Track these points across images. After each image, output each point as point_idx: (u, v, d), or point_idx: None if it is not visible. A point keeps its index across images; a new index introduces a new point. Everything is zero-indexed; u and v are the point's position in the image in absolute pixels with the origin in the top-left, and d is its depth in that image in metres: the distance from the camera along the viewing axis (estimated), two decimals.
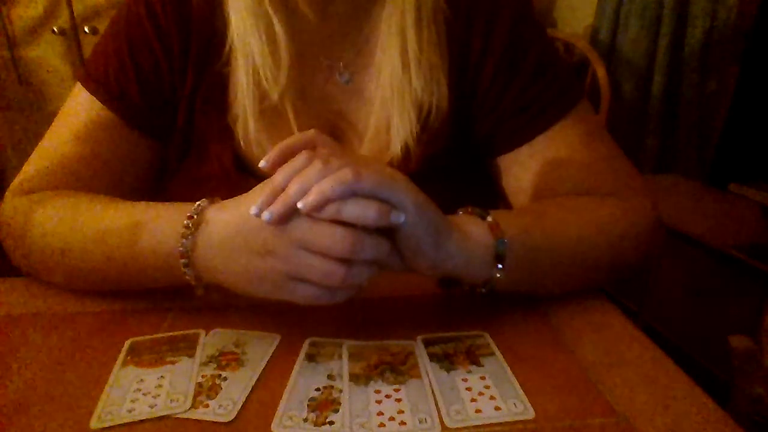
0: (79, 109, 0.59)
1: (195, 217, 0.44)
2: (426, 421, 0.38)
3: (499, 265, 0.46)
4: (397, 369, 0.43)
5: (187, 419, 0.38)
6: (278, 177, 0.41)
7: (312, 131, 0.44)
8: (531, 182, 0.59)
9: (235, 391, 0.41)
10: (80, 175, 0.57)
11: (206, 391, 0.41)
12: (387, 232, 0.41)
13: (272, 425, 0.37)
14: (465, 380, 0.42)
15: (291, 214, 0.40)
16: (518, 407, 0.39)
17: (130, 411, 0.39)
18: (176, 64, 0.59)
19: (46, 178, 0.57)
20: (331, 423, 0.38)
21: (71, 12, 1.84)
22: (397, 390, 0.41)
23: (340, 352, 0.45)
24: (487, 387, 0.41)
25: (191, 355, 0.45)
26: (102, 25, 1.87)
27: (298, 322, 0.48)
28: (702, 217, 1.55)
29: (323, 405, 0.39)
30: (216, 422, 0.38)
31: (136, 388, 0.41)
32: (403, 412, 0.39)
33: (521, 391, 0.41)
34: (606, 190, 0.57)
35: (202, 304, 0.51)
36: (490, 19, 0.58)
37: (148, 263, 0.47)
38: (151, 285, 0.50)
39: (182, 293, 0.50)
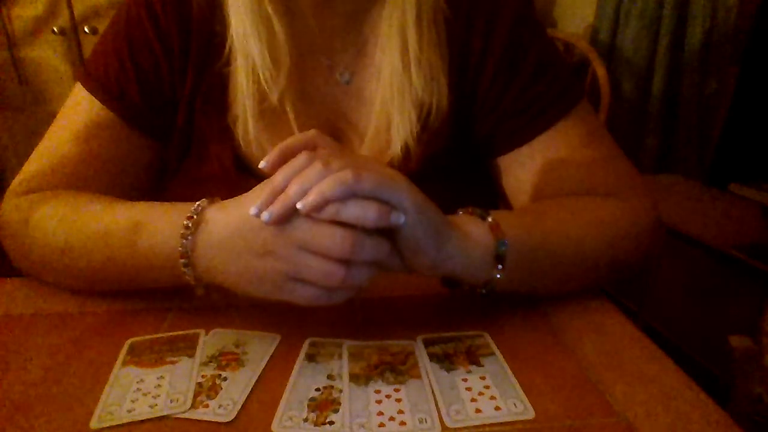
0: (78, 109, 0.59)
1: (195, 217, 0.44)
2: (426, 421, 0.38)
3: (500, 266, 0.46)
4: (397, 369, 0.43)
5: (187, 419, 0.38)
6: (278, 177, 0.41)
7: (312, 131, 0.44)
8: (531, 182, 0.59)
9: (235, 391, 0.41)
10: (80, 175, 0.57)
11: (206, 391, 0.41)
12: (387, 233, 0.41)
13: (272, 425, 0.37)
14: (465, 380, 0.42)
15: (290, 214, 0.40)
16: (518, 407, 0.39)
17: (130, 411, 0.39)
18: (176, 64, 0.59)
19: (46, 178, 0.57)
20: (331, 423, 0.38)
21: (71, 12, 1.84)
22: (397, 390, 0.41)
23: (340, 352, 0.45)
24: (487, 387, 0.41)
25: (191, 355, 0.45)
26: (102, 25, 1.87)
27: (298, 322, 0.48)
28: (702, 217, 1.56)
29: (323, 405, 0.39)
30: (216, 422, 0.38)
31: (136, 388, 0.41)
32: (403, 412, 0.39)
33: (521, 391, 0.41)
34: (606, 190, 0.57)
35: (202, 304, 0.51)
36: (490, 19, 0.58)
37: (148, 263, 0.47)
38: (151, 285, 0.50)
39: (182, 293, 0.49)
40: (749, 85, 1.77)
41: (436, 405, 0.39)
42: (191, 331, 0.48)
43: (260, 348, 0.46)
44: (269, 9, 0.55)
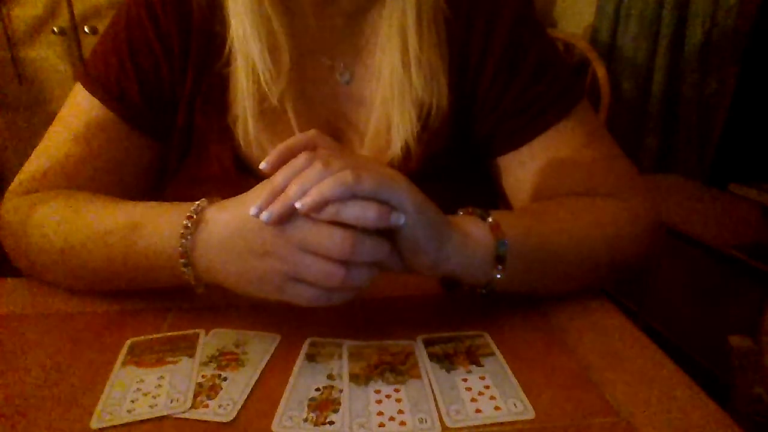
0: (78, 110, 0.59)
1: (195, 217, 0.44)
2: (426, 421, 0.38)
3: (500, 266, 0.46)
4: (397, 369, 0.43)
5: (187, 419, 0.38)
6: (278, 177, 0.41)
7: (312, 131, 0.44)
8: (531, 182, 0.59)
9: (235, 391, 0.41)
10: (80, 175, 0.57)
11: (206, 391, 0.41)
12: (387, 233, 0.41)
13: (272, 425, 0.37)
14: (465, 380, 0.42)
15: (290, 215, 0.40)
16: (518, 407, 0.39)
17: (130, 411, 0.39)
18: (176, 64, 0.59)
19: (46, 178, 0.57)
20: (331, 423, 0.38)
21: (71, 12, 1.84)
22: (397, 390, 0.41)
23: (340, 352, 0.45)
24: (487, 387, 0.41)
25: (191, 355, 0.45)
26: (102, 25, 1.87)
27: (298, 322, 0.48)
28: (702, 217, 1.56)
29: (323, 405, 0.39)
30: (216, 422, 0.38)
31: (136, 388, 0.41)
32: (403, 412, 0.39)
33: (521, 391, 0.41)
34: (606, 190, 0.57)
35: (202, 304, 0.51)
36: (490, 19, 0.58)
37: (147, 263, 0.47)
38: (151, 285, 0.50)
39: (182, 293, 0.49)
40: (749, 85, 1.78)
41: (436, 405, 0.39)
42: (191, 331, 0.48)
43: (260, 348, 0.46)
44: (269, 9, 0.55)
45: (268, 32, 0.55)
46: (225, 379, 0.42)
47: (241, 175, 0.59)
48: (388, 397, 0.40)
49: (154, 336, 0.47)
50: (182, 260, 0.44)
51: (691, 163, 1.98)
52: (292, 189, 0.39)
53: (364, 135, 0.60)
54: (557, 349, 0.46)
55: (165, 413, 0.38)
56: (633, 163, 0.61)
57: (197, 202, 0.45)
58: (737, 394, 1.02)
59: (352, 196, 0.39)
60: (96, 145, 0.58)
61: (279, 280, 0.41)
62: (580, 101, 0.59)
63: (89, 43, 1.87)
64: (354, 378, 0.42)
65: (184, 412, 0.39)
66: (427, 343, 0.46)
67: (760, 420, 0.98)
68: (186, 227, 0.44)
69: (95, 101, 0.58)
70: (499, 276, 0.46)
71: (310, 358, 0.45)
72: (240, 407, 0.39)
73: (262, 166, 0.42)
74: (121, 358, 0.44)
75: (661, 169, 2.02)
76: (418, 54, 0.56)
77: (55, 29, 1.85)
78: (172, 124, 0.61)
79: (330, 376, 0.42)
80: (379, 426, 0.37)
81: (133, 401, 0.39)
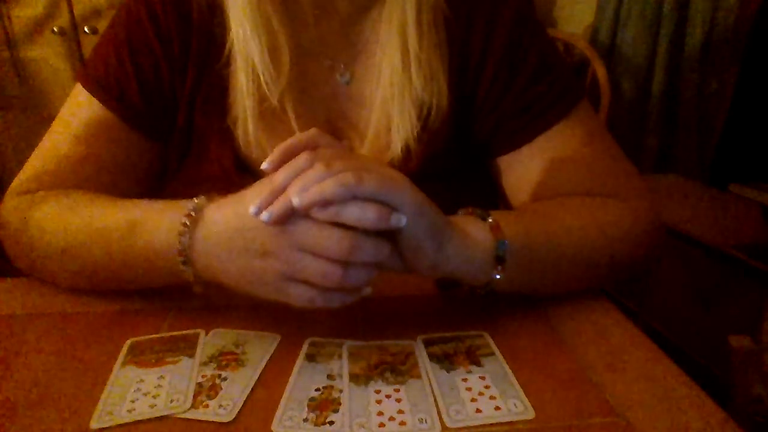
0: (78, 110, 0.59)
1: (193, 215, 0.44)
2: (426, 421, 0.38)
3: (500, 267, 0.46)
4: (397, 369, 0.43)
5: (187, 419, 0.38)
6: (279, 177, 0.41)
7: (313, 130, 0.44)
8: (531, 183, 0.59)
9: (235, 391, 0.41)
10: (80, 175, 0.57)
11: (206, 391, 0.41)
12: (387, 234, 0.41)
13: (272, 425, 0.37)
14: (465, 380, 0.42)
15: (290, 215, 0.40)
16: (518, 407, 0.39)
17: (130, 411, 0.39)
18: (176, 64, 0.59)
19: (46, 178, 0.57)
20: (331, 423, 0.38)
21: (71, 12, 1.83)
22: (397, 390, 0.41)
23: (340, 352, 0.45)
24: (487, 387, 0.41)
25: (191, 355, 0.45)
26: (102, 25, 1.87)
27: (298, 322, 0.48)
28: (702, 217, 1.55)
29: (323, 405, 0.39)
30: (216, 422, 0.38)
31: (136, 388, 0.41)
32: (403, 412, 0.39)
33: (521, 391, 0.41)
34: (606, 190, 0.57)
35: (202, 304, 0.51)
36: (490, 19, 0.58)
37: (147, 261, 0.47)
38: (150, 283, 0.50)
39: (182, 293, 0.49)
40: (749, 85, 1.78)
41: (436, 405, 0.39)
42: (191, 331, 0.48)
43: (260, 348, 0.46)
44: (269, 10, 0.55)
45: (268, 33, 0.55)
46: (225, 379, 0.42)
47: (241, 176, 0.59)
48: (388, 397, 0.40)
49: (154, 336, 0.47)
50: (181, 258, 0.44)
51: (691, 163, 1.98)
52: (293, 189, 0.39)
53: (364, 135, 0.60)
54: (557, 349, 0.46)
55: (165, 413, 0.38)
56: (633, 163, 0.61)
57: (196, 200, 0.45)
58: (737, 394, 1.02)
59: (352, 197, 0.39)
60: (96, 146, 0.58)
61: (277, 280, 0.41)
62: (580, 101, 0.59)
63: (89, 43, 1.87)
64: (354, 378, 0.42)
65: (184, 412, 0.39)
66: (427, 343, 0.46)
67: (760, 420, 0.98)
68: (185, 225, 0.44)
69: (95, 101, 0.58)
70: (498, 276, 0.46)
71: (310, 358, 0.45)
72: (240, 407, 0.39)
73: (264, 166, 0.42)
74: (121, 358, 0.44)
75: (661, 169, 2.02)
76: (418, 54, 0.56)
77: (55, 29, 1.85)
78: (172, 125, 0.61)
79: (330, 376, 0.42)
80: (379, 426, 0.37)
81: (133, 401, 0.39)
